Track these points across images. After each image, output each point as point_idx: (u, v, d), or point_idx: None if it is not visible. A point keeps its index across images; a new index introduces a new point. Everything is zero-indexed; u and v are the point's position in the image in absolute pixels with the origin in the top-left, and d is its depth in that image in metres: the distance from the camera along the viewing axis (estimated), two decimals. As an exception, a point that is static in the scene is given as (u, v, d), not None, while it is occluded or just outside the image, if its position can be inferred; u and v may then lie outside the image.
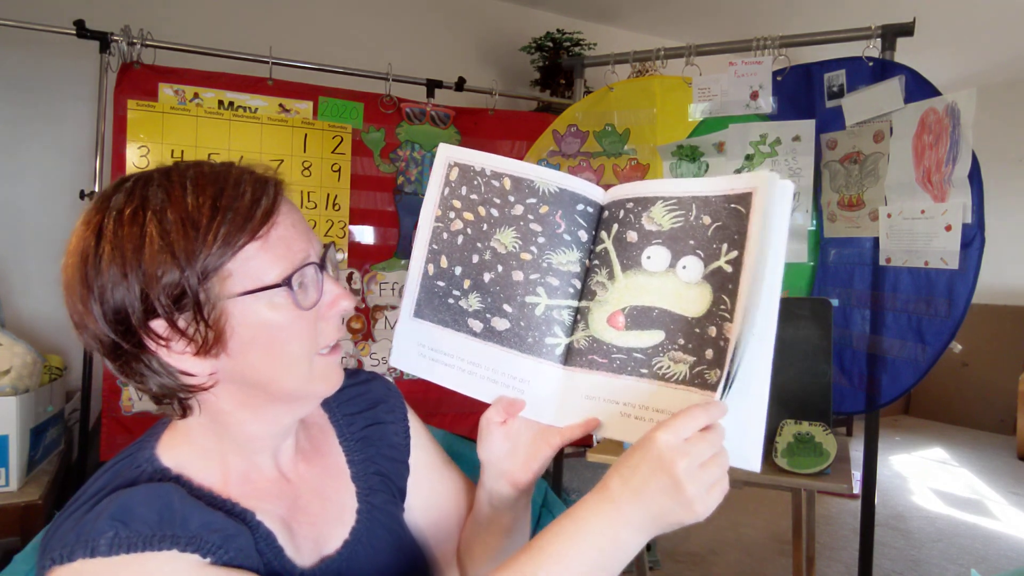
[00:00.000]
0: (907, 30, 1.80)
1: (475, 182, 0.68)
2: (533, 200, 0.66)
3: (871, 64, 1.81)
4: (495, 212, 0.67)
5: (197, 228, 0.53)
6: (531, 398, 0.65)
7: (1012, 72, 4.57)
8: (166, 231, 0.53)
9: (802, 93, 1.94)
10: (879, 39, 1.83)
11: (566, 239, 0.65)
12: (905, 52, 1.84)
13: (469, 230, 0.68)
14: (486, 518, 0.70)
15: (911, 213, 1.69)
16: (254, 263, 0.55)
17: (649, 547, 2.44)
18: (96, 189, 2.05)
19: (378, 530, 0.69)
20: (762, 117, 1.96)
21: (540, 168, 0.67)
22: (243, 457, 0.62)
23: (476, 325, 0.67)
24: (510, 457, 0.66)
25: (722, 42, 2.09)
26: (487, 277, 0.67)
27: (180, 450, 0.60)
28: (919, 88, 1.70)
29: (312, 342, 0.59)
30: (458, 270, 0.69)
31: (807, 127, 1.90)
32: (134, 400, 2.02)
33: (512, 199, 0.66)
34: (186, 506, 0.53)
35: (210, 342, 0.54)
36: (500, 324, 0.66)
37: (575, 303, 0.65)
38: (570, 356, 0.64)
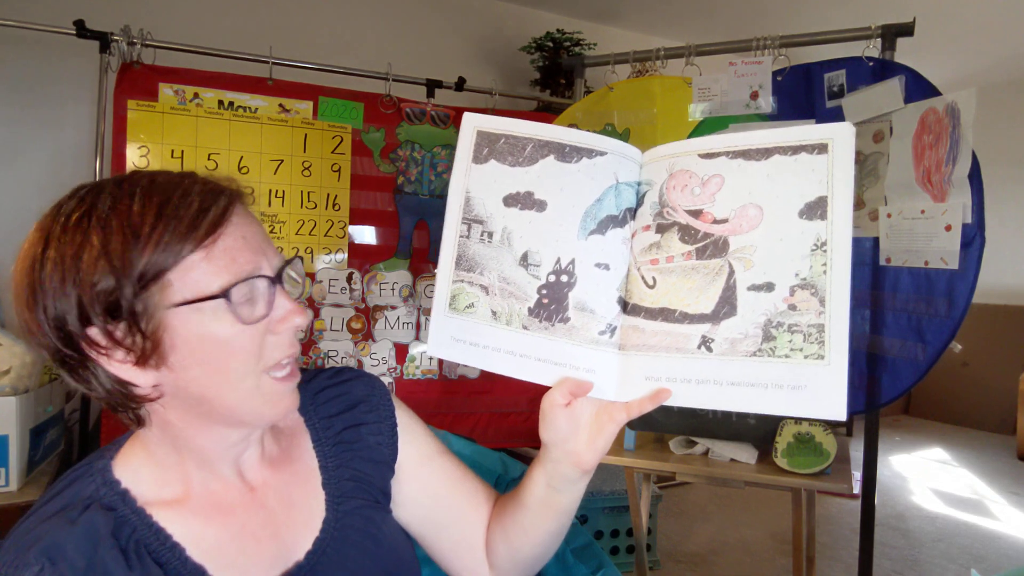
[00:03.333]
0: (907, 30, 1.80)
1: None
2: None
3: (871, 64, 1.81)
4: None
5: (137, 236, 0.53)
6: (593, 376, 0.64)
7: (1012, 72, 4.57)
8: (107, 238, 0.52)
9: (802, 93, 1.94)
10: (879, 39, 1.83)
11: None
12: (905, 52, 1.84)
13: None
14: (539, 501, 0.69)
15: (911, 213, 1.69)
16: (195, 274, 0.54)
17: (649, 547, 2.44)
18: (96, 189, 2.05)
19: (349, 537, 0.68)
20: (762, 117, 1.97)
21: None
22: (201, 468, 0.62)
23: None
24: (574, 437, 0.64)
25: (722, 42, 2.09)
26: None
27: (137, 462, 0.61)
28: (919, 88, 1.70)
29: (257, 358, 0.58)
30: None
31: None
32: (134, 400, 2.02)
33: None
34: (111, 560, 0.54)
35: (148, 352, 0.54)
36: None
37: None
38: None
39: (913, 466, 3.80)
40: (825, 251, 0.55)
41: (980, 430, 4.58)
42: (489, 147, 0.68)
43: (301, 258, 0.68)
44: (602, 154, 0.64)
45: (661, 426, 1.74)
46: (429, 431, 0.80)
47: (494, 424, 2.43)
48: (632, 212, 0.65)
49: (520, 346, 0.64)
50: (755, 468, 1.63)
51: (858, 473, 2.03)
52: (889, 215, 1.74)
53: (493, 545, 0.74)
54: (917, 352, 1.69)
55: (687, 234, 0.61)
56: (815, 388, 0.54)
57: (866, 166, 1.81)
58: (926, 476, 3.62)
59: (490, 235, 0.66)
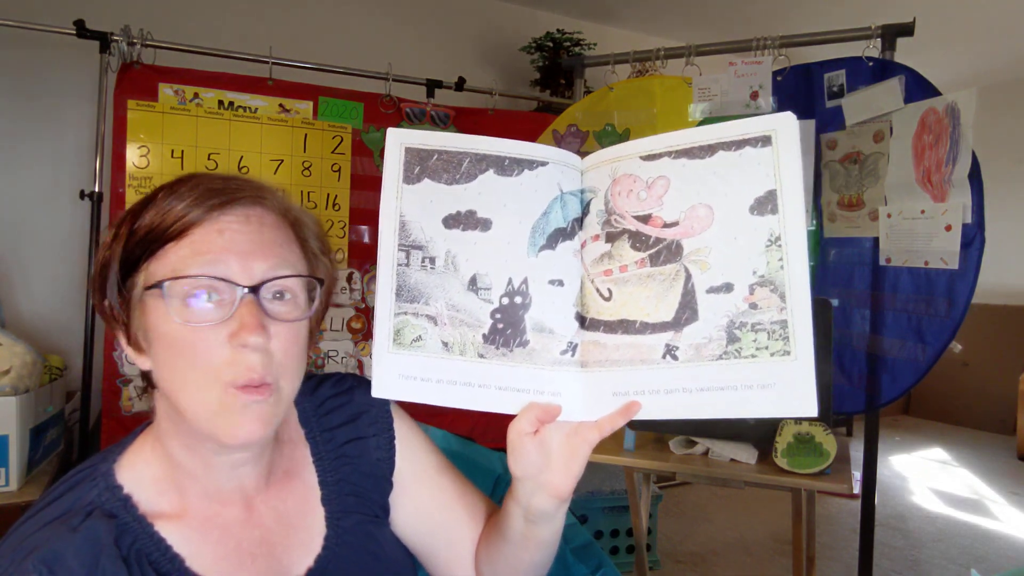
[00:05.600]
0: (907, 30, 1.80)
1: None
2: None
3: (871, 64, 1.81)
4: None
5: (139, 219, 0.58)
6: (559, 399, 0.61)
7: (1012, 72, 4.58)
8: (124, 222, 0.58)
9: (802, 93, 1.94)
10: (879, 39, 1.83)
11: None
12: (905, 52, 1.84)
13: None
14: (518, 534, 0.66)
15: (911, 213, 1.69)
16: (162, 261, 0.56)
17: (649, 547, 2.44)
18: (96, 189, 2.05)
19: (348, 555, 0.67)
20: (762, 117, 1.97)
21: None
22: (196, 481, 0.61)
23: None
24: (547, 466, 0.60)
25: (722, 42, 2.09)
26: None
27: (140, 463, 0.61)
28: (919, 88, 1.70)
29: (214, 366, 0.55)
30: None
31: (807, 127, 1.90)
32: (134, 400, 2.02)
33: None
34: (113, 570, 0.53)
35: (130, 332, 0.59)
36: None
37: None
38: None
39: (913, 466, 3.80)
40: (780, 246, 0.55)
41: (980, 430, 4.58)
42: (421, 165, 0.62)
43: (320, 280, 0.63)
44: (543, 164, 0.61)
45: (661, 426, 1.74)
46: (429, 444, 0.77)
47: (494, 424, 2.42)
48: (579, 222, 0.62)
49: (478, 376, 0.60)
50: (755, 468, 1.63)
51: (858, 473, 2.03)
52: (889, 215, 1.74)
53: (480, 569, 0.73)
54: (917, 352, 1.69)
55: (638, 241, 0.59)
56: (785, 385, 0.54)
57: (866, 166, 1.81)
58: (926, 476, 3.62)
59: (432, 261, 0.62)
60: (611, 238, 0.60)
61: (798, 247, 0.54)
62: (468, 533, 0.74)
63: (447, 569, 0.74)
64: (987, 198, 1.59)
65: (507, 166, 0.61)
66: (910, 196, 1.70)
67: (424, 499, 0.74)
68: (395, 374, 0.62)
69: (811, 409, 0.53)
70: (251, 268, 0.57)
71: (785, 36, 1.95)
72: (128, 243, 0.57)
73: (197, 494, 0.61)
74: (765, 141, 0.56)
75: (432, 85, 2.45)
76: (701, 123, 2.06)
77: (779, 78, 1.95)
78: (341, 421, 0.72)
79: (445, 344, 0.61)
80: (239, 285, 0.56)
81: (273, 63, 2.20)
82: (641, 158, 0.60)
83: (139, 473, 0.61)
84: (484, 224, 0.61)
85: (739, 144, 0.57)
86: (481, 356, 0.61)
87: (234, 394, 0.55)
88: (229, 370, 0.55)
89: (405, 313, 0.62)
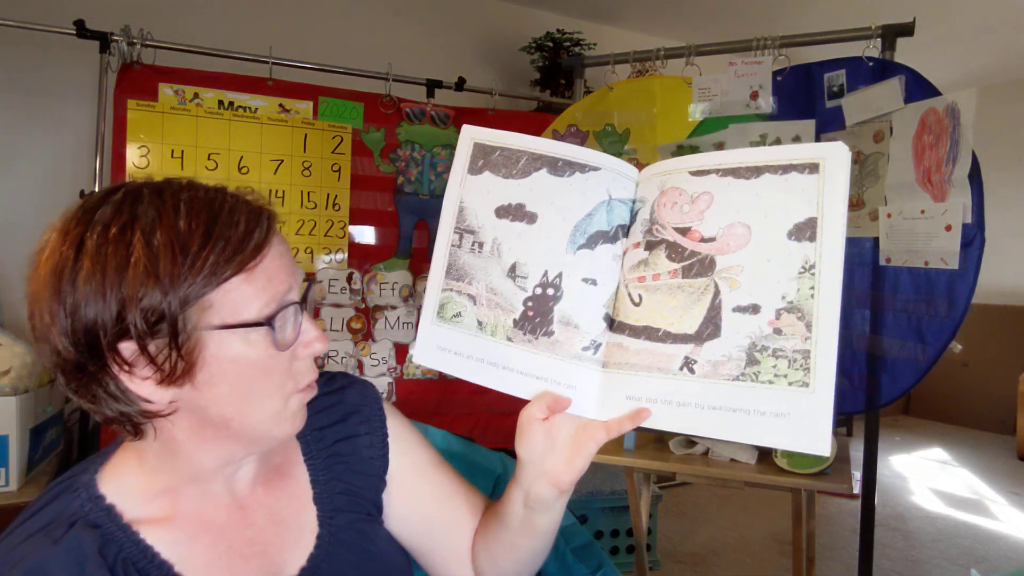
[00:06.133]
0: (907, 30, 1.80)
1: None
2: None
3: (871, 64, 1.81)
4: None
5: (186, 254, 0.51)
6: (574, 393, 0.63)
7: (1012, 72, 4.57)
8: (153, 253, 0.51)
9: (802, 93, 1.94)
10: (879, 39, 1.83)
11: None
12: (905, 52, 1.84)
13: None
14: (518, 520, 0.67)
15: (911, 213, 1.69)
16: (235, 295, 0.53)
17: (649, 547, 2.44)
18: (96, 189, 2.04)
19: (342, 553, 0.67)
20: (762, 117, 1.97)
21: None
22: (193, 485, 0.60)
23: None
24: (551, 455, 0.63)
25: (722, 42, 2.09)
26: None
27: (125, 476, 0.60)
28: (919, 88, 1.70)
29: (284, 381, 0.58)
30: None
31: (807, 127, 1.90)
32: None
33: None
34: None
35: (178, 372, 0.52)
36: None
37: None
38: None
39: (913, 466, 3.80)
40: (813, 274, 0.54)
41: (980, 430, 4.58)
42: (484, 159, 0.68)
43: (312, 282, 0.68)
44: (595, 170, 0.64)
45: (661, 426, 1.74)
46: (424, 441, 0.78)
47: (494, 424, 2.42)
48: (625, 229, 0.64)
49: (504, 358, 0.64)
50: (755, 468, 1.63)
51: (858, 473, 2.03)
52: (889, 215, 1.74)
53: (477, 558, 0.73)
54: (917, 352, 1.69)
55: (674, 252, 0.60)
56: (798, 417, 0.53)
57: (866, 166, 1.81)
58: (926, 476, 3.62)
59: (480, 245, 0.66)
60: (650, 246, 0.62)
61: (832, 278, 0.54)
62: (464, 529, 0.74)
63: (444, 566, 0.74)
64: (987, 198, 1.59)
65: (560, 167, 0.65)
66: (910, 196, 1.69)
67: (419, 496, 0.74)
68: (434, 345, 0.68)
69: (823, 447, 0.51)
70: (298, 283, 0.60)
71: (785, 36, 1.95)
72: (182, 281, 0.51)
73: (188, 498, 0.61)
74: (812, 168, 0.55)
75: (432, 85, 2.45)
76: (702, 123, 2.06)
77: (779, 78, 1.95)
78: (332, 420, 0.73)
79: (480, 323, 0.65)
80: (298, 303, 0.59)
81: (273, 63, 2.20)
82: (690, 173, 0.61)
83: (123, 482, 0.60)
84: (531, 217, 0.65)
85: (786, 169, 0.57)
86: (509, 339, 0.64)
87: (295, 396, 0.60)
88: (306, 376, 0.60)
89: (451, 290, 0.67)
